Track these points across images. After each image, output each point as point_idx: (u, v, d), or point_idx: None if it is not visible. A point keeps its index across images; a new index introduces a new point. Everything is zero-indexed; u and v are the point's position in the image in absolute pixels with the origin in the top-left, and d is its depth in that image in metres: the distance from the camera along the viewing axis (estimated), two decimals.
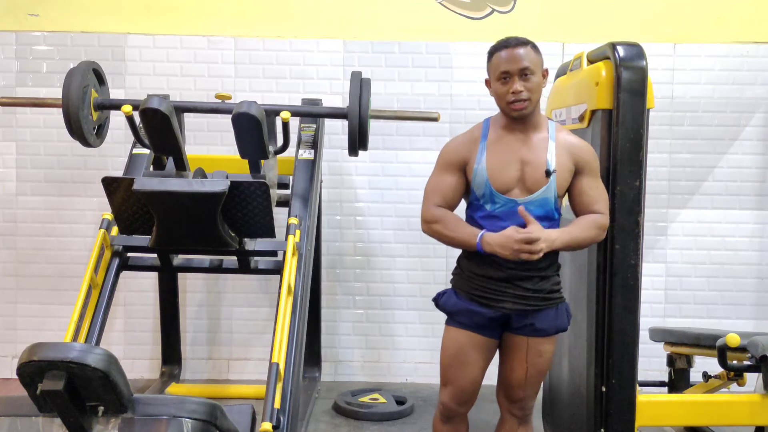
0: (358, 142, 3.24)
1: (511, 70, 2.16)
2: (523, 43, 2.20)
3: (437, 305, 2.40)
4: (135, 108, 3.00)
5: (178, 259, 3.24)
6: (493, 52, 2.24)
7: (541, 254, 2.12)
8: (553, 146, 2.21)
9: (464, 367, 2.30)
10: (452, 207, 2.31)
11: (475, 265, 2.27)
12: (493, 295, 2.23)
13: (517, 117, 2.21)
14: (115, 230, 3.00)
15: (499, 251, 2.14)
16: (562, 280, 2.40)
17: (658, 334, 3.25)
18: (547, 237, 2.13)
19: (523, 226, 2.15)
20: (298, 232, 2.97)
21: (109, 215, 2.97)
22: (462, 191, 2.30)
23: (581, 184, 2.24)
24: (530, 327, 2.24)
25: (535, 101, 2.20)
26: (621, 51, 2.33)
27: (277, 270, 3.03)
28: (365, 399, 3.68)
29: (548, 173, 2.18)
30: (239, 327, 4.10)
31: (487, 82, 2.28)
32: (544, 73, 2.23)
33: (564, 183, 2.23)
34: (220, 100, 3.23)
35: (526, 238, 2.09)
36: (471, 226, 2.25)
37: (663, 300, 4.05)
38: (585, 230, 2.22)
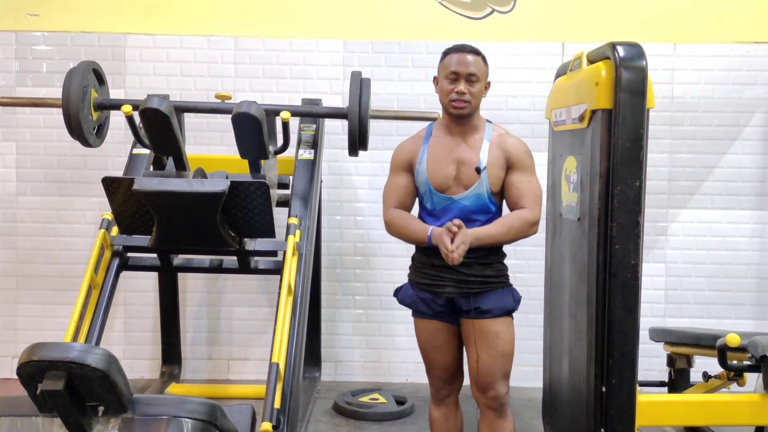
0: (358, 142, 3.24)
1: (460, 71, 2.35)
2: (476, 52, 2.39)
3: (397, 299, 2.55)
4: (135, 108, 3.00)
5: (178, 259, 3.24)
6: (447, 53, 2.41)
7: (460, 252, 2.25)
8: (487, 145, 2.39)
9: (438, 350, 2.47)
10: (408, 206, 2.51)
11: (422, 255, 2.45)
12: (436, 281, 2.40)
13: (456, 115, 2.38)
14: (115, 230, 3.00)
15: (440, 245, 2.29)
16: (561, 279, 2.40)
17: (658, 334, 3.25)
18: (464, 239, 2.27)
19: (458, 217, 2.32)
20: (298, 232, 2.97)
21: (109, 215, 2.97)
22: (414, 190, 2.49)
23: (512, 178, 2.40)
24: (476, 309, 2.37)
25: (474, 106, 2.38)
26: (621, 51, 2.33)
27: (277, 270, 3.03)
28: (365, 399, 3.68)
29: (478, 170, 2.34)
30: (239, 327, 4.10)
31: (435, 80, 2.46)
32: (487, 85, 2.43)
33: (496, 179, 2.38)
34: (220, 100, 3.24)
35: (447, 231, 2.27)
36: (422, 222, 2.42)
37: (663, 300, 4.04)
38: (504, 226, 2.36)
